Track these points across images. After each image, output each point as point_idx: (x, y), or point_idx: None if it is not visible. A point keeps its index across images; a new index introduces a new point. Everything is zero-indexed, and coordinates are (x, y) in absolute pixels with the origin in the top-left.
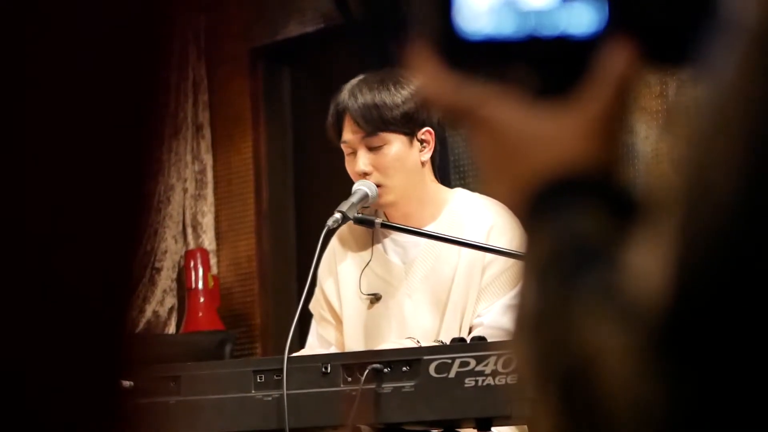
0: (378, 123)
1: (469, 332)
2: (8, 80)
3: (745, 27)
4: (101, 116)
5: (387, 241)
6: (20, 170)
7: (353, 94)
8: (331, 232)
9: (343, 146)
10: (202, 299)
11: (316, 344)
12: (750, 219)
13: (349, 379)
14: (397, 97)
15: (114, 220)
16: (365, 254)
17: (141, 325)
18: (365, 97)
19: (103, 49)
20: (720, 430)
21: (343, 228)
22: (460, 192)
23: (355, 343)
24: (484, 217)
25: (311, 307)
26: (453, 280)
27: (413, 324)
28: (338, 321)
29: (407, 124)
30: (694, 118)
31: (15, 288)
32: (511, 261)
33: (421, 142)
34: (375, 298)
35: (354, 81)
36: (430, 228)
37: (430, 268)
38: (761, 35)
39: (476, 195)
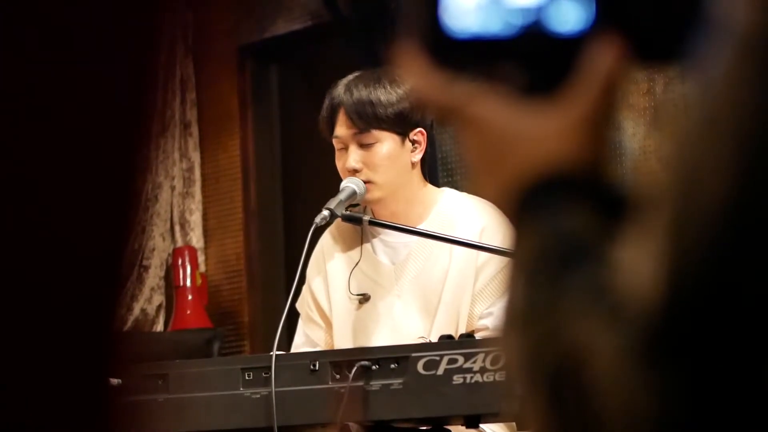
0: (371, 120)
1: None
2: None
3: (735, 28)
4: (88, 115)
5: (376, 241)
6: (7, 169)
7: (349, 89)
8: (319, 230)
9: (334, 141)
10: (190, 297)
11: (302, 344)
12: (740, 218)
13: (338, 376)
14: (392, 95)
15: (102, 218)
16: (354, 254)
17: (129, 323)
18: (360, 93)
19: (91, 47)
20: (710, 431)
21: (332, 227)
22: (448, 192)
23: (343, 344)
24: (475, 219)
25: (298, 306)
26: (444, 282)
27: (403, 325)
28: (326, 321)
29: (400, 124)
30: (683, 117)
31: (1, 288)
32: (505, 261)
33: (413, 142)
34: (364, 299)
35: (350, 77)
36: (419, 228)
37: (420, 269)
38: (751, 37)
39: (465, 195)
